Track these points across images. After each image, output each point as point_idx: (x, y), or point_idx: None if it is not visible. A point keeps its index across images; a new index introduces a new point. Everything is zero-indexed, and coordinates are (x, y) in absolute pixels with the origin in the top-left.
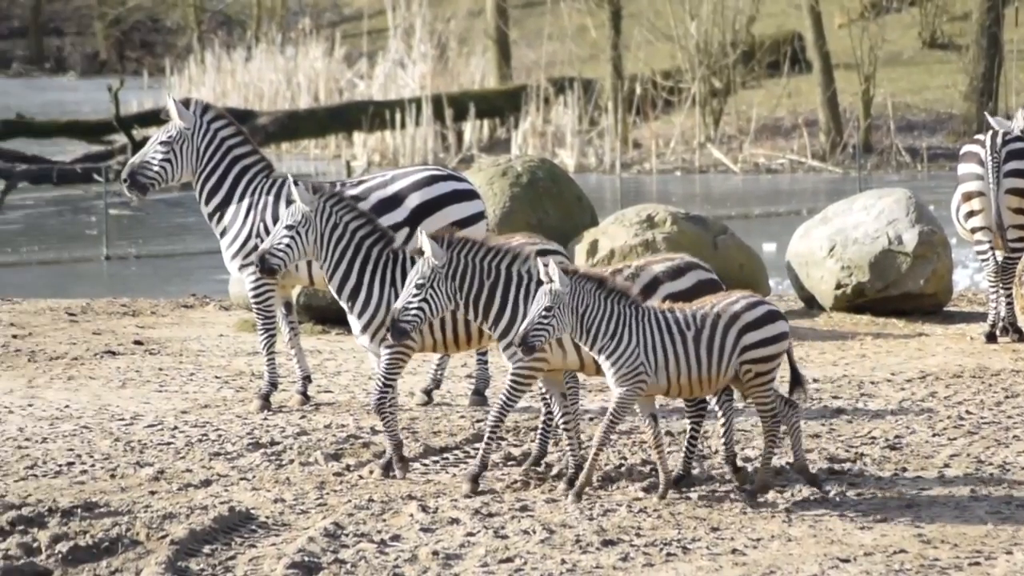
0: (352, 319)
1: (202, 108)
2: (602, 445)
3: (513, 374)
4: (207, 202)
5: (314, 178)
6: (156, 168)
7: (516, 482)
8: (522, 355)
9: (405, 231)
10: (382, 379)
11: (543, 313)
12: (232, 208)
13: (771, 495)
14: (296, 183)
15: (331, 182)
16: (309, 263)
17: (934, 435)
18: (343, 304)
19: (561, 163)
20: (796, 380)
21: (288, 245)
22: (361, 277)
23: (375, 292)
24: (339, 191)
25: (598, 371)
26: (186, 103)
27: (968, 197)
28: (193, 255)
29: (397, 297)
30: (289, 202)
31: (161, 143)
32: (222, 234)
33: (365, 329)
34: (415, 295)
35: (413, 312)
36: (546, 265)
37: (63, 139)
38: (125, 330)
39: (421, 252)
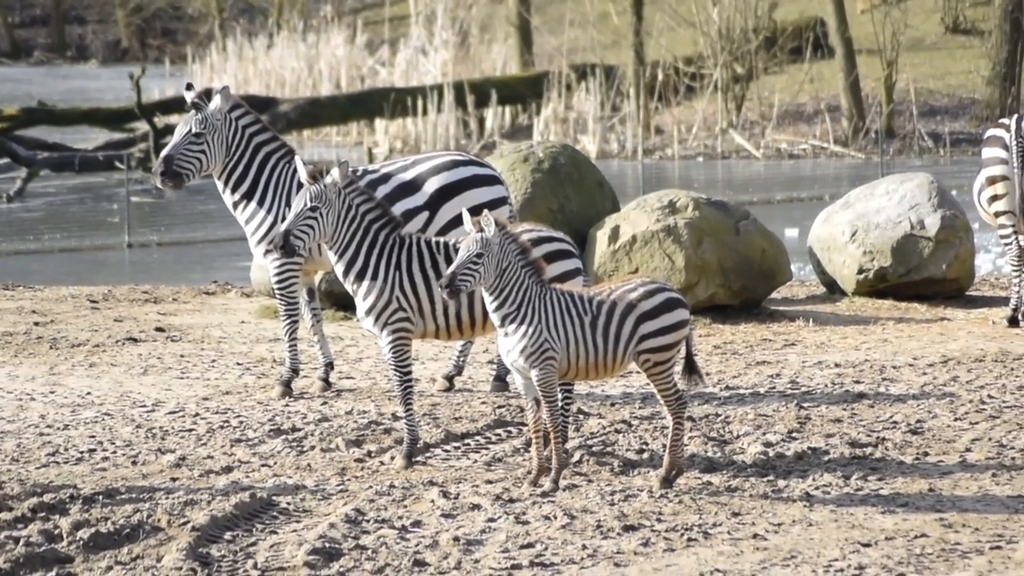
0: (358, 301)
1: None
2: (558, 429)
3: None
4: (233, 190)
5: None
6: (193, 159)
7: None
8: (447, 297)
9: (424, 215)
10: (395, 368)
11: (474, 259)
12: (257, 195)
13: (792, 480)
14: (303, 162)
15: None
16: None
17: (956, 419)
18: (348, 287)
19: (583, 149)
20: (691, 368)
21: (309, 225)
22: (368, 260)
23: (380, 274)
24: (353, 176)
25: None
26: (207, 93)
27: (992, 181)
28: (214, 242)
29: (403, 281)
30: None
31: (195, 135)
32: (247, 221)
33: (369, 311)
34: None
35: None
36: (481, 217)
37: (85, 127)
38: (147, 317)
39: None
